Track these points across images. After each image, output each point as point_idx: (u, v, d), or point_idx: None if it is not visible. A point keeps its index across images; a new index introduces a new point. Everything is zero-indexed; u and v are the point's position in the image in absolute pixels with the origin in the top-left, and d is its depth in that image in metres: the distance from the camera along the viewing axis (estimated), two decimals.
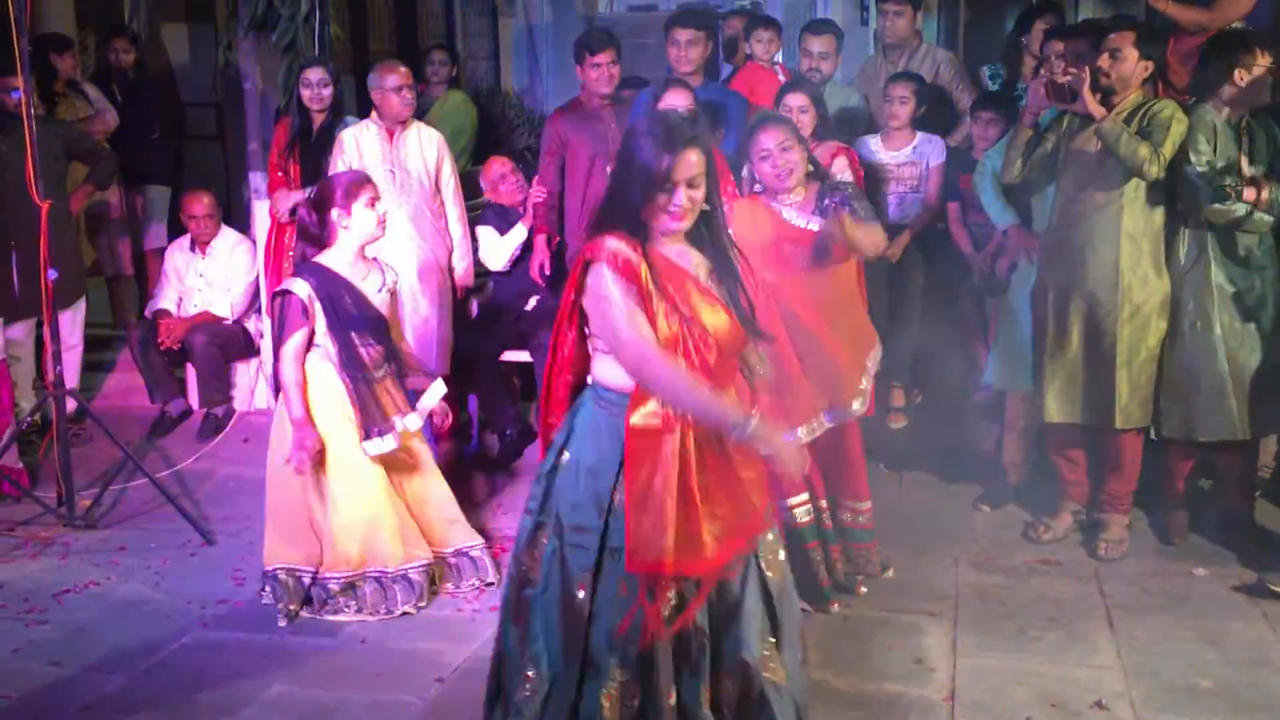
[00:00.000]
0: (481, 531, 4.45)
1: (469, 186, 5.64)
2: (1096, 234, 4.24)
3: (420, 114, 5.61)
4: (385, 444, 3.97)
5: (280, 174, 5.53)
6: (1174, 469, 4.51)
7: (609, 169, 4.88)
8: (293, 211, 5.43)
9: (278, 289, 4.06)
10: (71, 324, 5.80)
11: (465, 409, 5.64)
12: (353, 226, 3.97)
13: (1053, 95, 4.25)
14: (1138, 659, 3.60)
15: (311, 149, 5.44)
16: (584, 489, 2.61)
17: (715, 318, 2.59)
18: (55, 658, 3.74)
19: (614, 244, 2.53)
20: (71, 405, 5.10)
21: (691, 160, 2.51)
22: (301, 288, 3.94)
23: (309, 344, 3.98)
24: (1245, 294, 4.25)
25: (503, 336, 5.38)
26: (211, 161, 7.91)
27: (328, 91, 5.42)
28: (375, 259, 4.15)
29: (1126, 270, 4.21)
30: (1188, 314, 4.27)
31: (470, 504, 4.97)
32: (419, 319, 5.24)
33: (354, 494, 4.01)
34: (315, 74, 5.43)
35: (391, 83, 5.17)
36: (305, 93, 5.42)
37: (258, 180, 6.10)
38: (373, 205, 3.97)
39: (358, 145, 5.21)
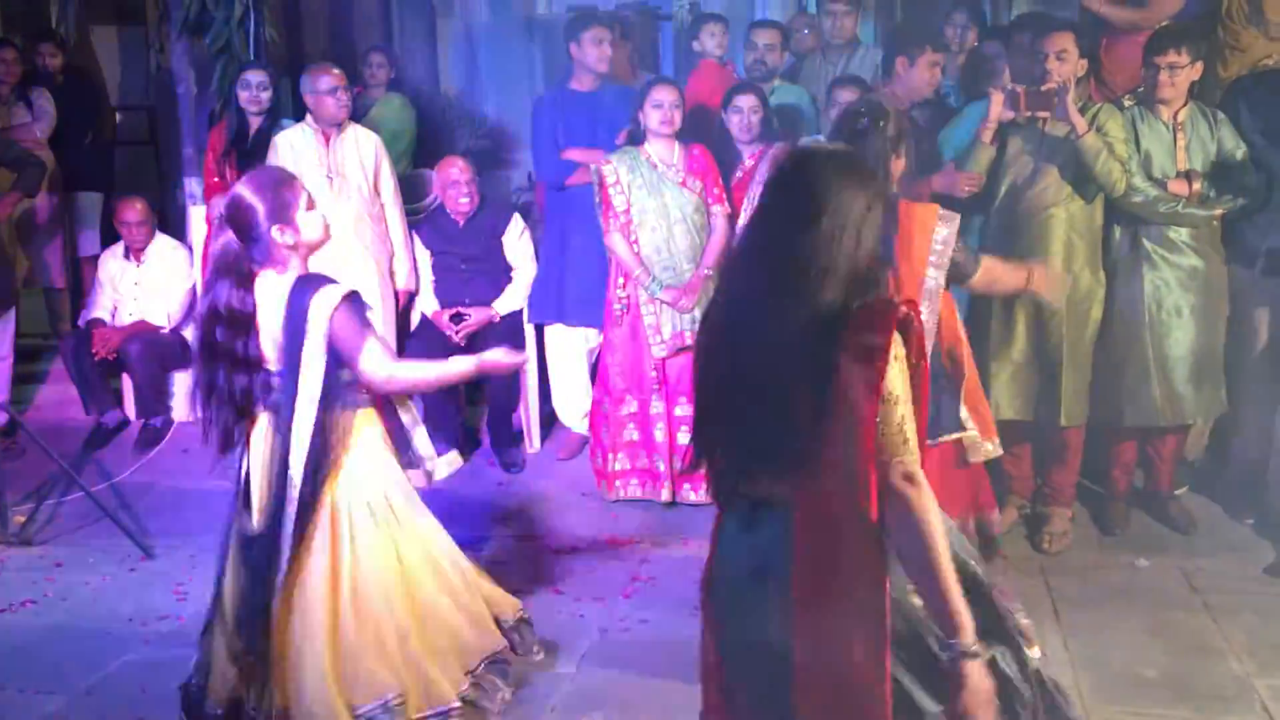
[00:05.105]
0: None
1: (409, 190, 5.58)
2: (1039, 236, 4.27)
3: (358, 117, 5.54)
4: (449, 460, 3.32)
5: (217, 179, 5.44)
6: (1114, 460, 4.57)
7: None
8: None
9: (348, 292, 3.04)
10: (1, 334, 5.67)
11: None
12: (301, 237, 3.06)
13: (1027, 105, 4.12)
14: (1084, 650, 3.65)
15: (248, 153, 5.35)
16: None
17: None
18: None
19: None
20: (2, 418, 4.98)
21: None
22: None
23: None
24: (1174, 284, 4.31)
25: (446, 344, 5.33)
26: (144, 167, 7.76)
27: (266, 95, 5.34)
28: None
29: (1070, 270, 4.23)
30: (1117, 301, 4.35)
31: None
32: None
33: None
34: (255, 76, 5.35)
35: (325, 85, 5.10)
36: (244, 94, 5.33)
37: (193, 185, 6.01)
38: (312, 204, 3.11)
39: (292, 149, 5.14)
